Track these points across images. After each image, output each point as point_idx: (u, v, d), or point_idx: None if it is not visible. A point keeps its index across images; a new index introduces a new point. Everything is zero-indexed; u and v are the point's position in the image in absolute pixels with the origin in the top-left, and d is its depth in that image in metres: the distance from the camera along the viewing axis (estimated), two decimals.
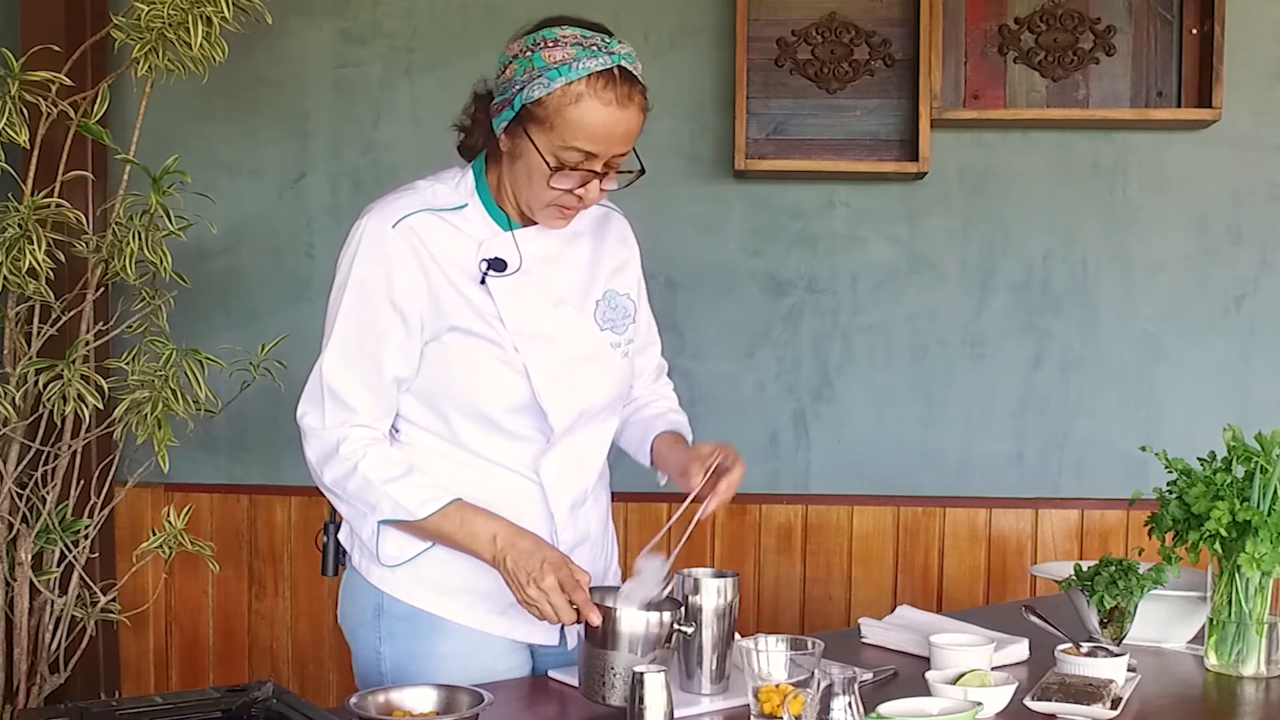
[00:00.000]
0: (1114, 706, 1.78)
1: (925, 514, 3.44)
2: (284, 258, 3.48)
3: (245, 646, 3.54)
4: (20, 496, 3.01)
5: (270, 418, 3.33)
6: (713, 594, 1.86)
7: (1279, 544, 1.98)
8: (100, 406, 2.95)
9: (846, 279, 3.43)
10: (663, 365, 2.22)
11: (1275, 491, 2.02)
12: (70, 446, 3.03)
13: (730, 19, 3.32)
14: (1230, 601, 2.02)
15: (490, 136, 1.88)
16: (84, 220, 3.00)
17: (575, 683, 1.84)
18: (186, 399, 2.94)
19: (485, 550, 1.85)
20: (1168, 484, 2.12)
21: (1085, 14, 3.34)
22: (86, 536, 3.11)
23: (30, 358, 2.92)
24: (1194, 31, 3.29)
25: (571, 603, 1.79)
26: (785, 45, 3.36)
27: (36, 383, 2.90)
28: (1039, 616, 2.11)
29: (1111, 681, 1.82)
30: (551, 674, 1.97)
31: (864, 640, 2.16)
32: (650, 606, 1.82)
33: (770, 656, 1.72)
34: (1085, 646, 1.93)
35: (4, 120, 2.77)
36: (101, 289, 3.06)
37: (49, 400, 2.89)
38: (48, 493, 3.03)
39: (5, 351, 3.00)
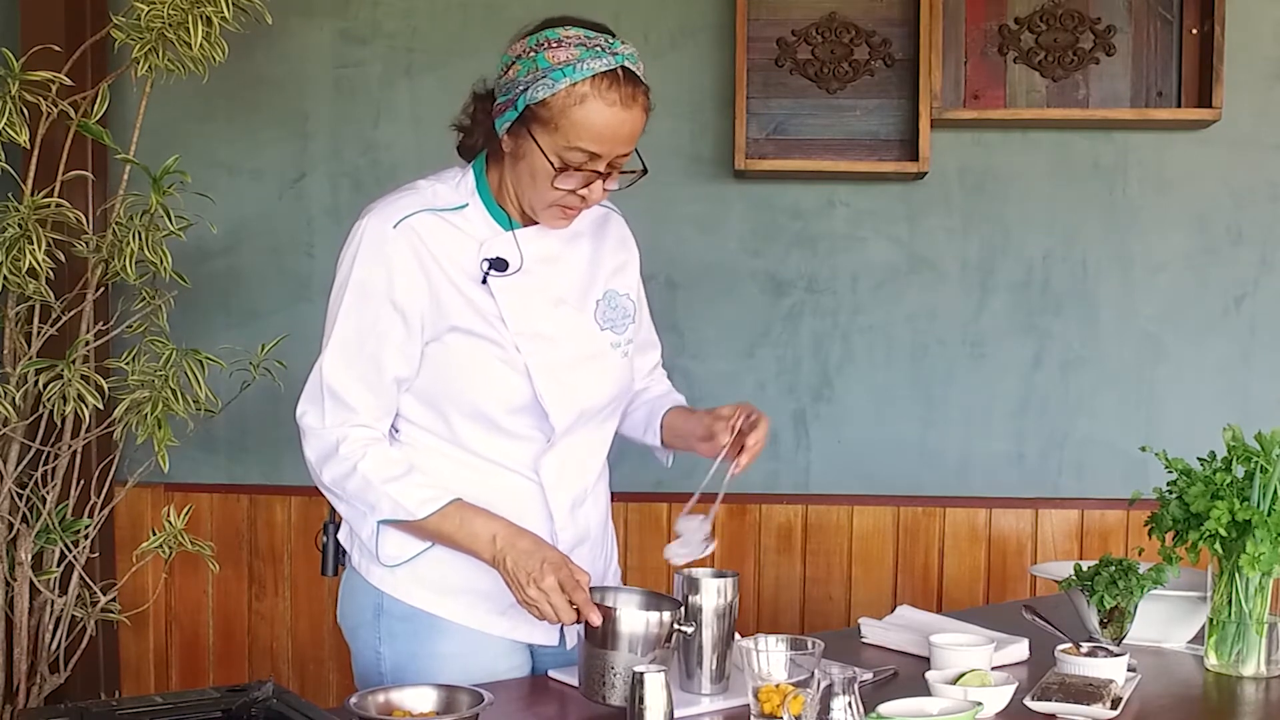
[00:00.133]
0: (1114, 706, 1.78)
1: (925, 514, 3.44)
2: (284, 258, 3.48)
3: (245, 646, 3.54)
4: (20, 496, 3.01)
5: (270, 418, 3.32)
6: (713, 594, 1.86)
7: (1279, 544, 1.98)
8: (100, 406, 2.95)
9: (846, 279, 3.43)
10: (660, 365, 2.24)
11: (1275, 491, 2.02)
12: (70, 446, 3.03)
13: (730, 19, 3.32)
14: (1230, 601, 2.02)
15: (491, 136, 1.88)
16: (84, 220, 3.00)
17: (575, 683, 1.84)
18: (186, 399, 2.94)
19: (485, 550, 1.85)
20: (1168, 484, 2.12)
21: (1085, 14, 3.34)
22: (86, 536, 3.11)
23: (30, 358, 2.92)
24: (1194, 31, 3.29)
25: (571, 603, 1.79)
26: (785, 45, 3.36)
27: (36, 383, 2.90)
28: (1039, 616, 2.11)
29: (1111, 681, 1.82)
30: (551, 674, 1.97)
31: (864, 640, 2.16)
32: (650, 606, 1.83)
33: (770, 656, 1.72)
34: (1085, 646, 1.93)
35: (4, 120, 2.77)
36: (101, 289, 3.06)
37: (49, 400, 2.89)
38: (48, 493, 3.04)
39: (5, 351, 3.00)
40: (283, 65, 3.45)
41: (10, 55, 2.81)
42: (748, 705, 1.72)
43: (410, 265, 1.86)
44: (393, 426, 1.96)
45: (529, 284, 1.91)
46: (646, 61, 1.85)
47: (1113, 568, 2.02)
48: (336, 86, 3.46)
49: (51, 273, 2.90)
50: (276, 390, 3.09)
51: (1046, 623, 2.09)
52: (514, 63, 1.82)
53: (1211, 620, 2.05)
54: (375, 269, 1.86)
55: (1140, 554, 2.16)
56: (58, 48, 3.01)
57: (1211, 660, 2.04)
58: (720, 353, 3.44)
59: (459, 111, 1.94)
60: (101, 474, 3.21)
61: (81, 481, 3.13)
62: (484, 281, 1.89)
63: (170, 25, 2.80)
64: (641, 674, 1.62)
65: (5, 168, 2.91)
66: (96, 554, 3.24)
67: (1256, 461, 2.03)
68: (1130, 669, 1.93)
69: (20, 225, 2.80)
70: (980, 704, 1.69)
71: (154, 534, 3.01)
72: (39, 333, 2.96)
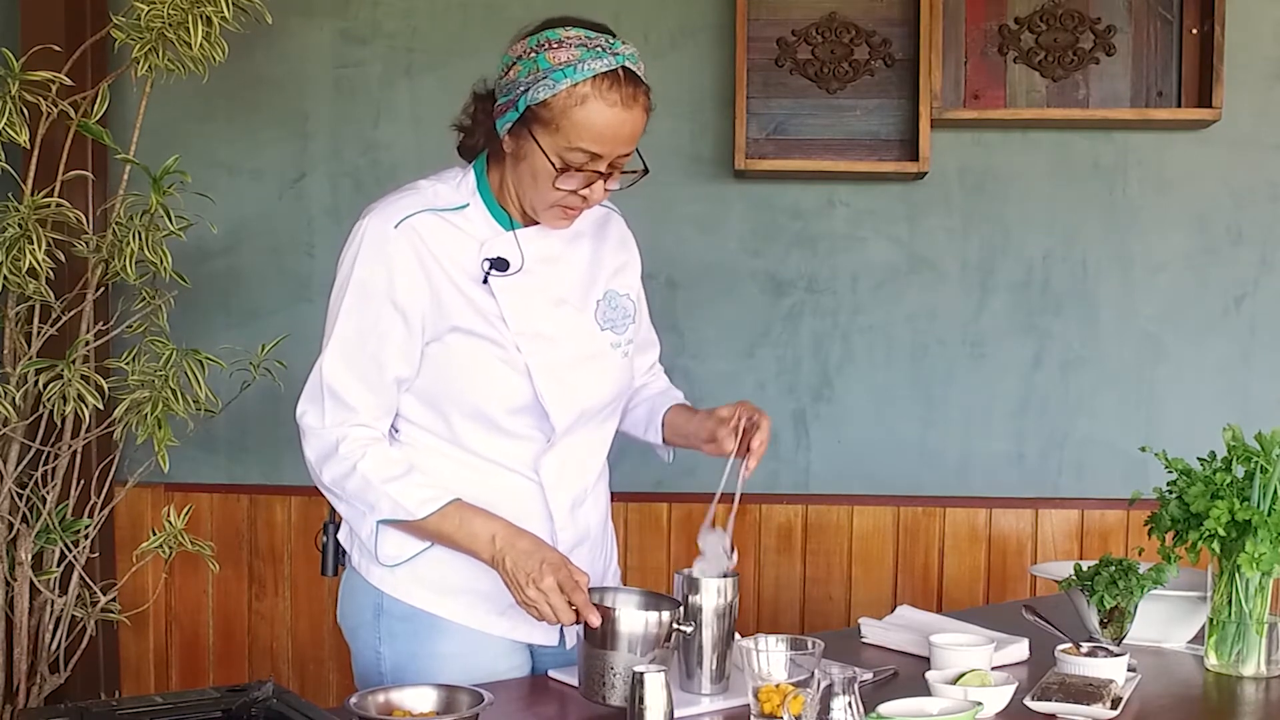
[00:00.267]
0: (1114, 706, 1.78)
1: (925, 514, 3.44)
2: (284, 258, 3.48)
3: (245, 646, 3.54)
4: (20, 496, 3.01)
5: (270, 418, 3.32)
6: (713, 594, 1.86)
7: (1279, 544, 1.98)
8: (100, 406, 2.95)
9: (846, 279, 3.43)
10: (657, 360, 2.24)
11: (1275, 491, 2.02)
12: (70, 446, 3.03)
13: (730, 19, 3.32)
14: (1230, 601, 2.02)
15: (492, 137, 1.88)
16: (84, 220, 3.00)
17: (575, 683, 1.84)
18: (186, 399, 2.94)
19: (484, 550, 1.86)
20: (1167, 484, 2.12)
21: (1085, 14, 3.34)
22: (86, 536, 3.11)
23: (30, 358, 2.92)
24: (1194, 31, 3.29)
25: (571, 603, 1.79)
26: (785, 45, 3.36)
27: (36, 383, 2.90)
28: (1039, 616, 2.11)
29: (1111, 681, 1.82)
30: (551, 674, 1.97)
31: (864, 640, 2.16)
32: (649, 607, 1.83)
33: (770, 656, 1.72)
34: (1085, 646, 1.93)
35: (4, 120, 2.77)
36: (101, 289, 3.06)
37: (49, 400, 2.89)
38: (48, 493, 3.03)
39: (5, 351, 3.00)
40: (283, 65, 3.45)
41: (10, 55, 2.81)
42: (748, 705, 1.72)
43: (411, 265, 1.86)
44: (393, 426, 1.96)
45: (530, 284, 1.91)
46: (646, 61, 1.86)
47: (1113, 568, 2.02)
48: (336, 86, 3.46)
49: (51, 273, 2.90)
50: (276, 390, 3.09)
51: (1046, 623, 2.09)
52: (515, 63, 1.82)
53: (1211, 620, 2.05)
54: (376, 269, 1.86)
55: (1140, 554, 2.16)
56: (58, 48, 3.01)
57: (1211, 660, 2.04)
58: (720, 353, 3.44)
59: (459, 111, 1.94)
60: (101, 474, 3.21)
61: (81, 481, 3.13)
62: (485, 281, 1.89)
63: (170, 25, 2.80)
64: (641, 674, 1.62)
65: (5, 168, 2.91)
66: (96, 554, 3.24)
67: (1256, 461, 2.03)
68: (1130, 669, 1.93)
69: (20, 225, 2.80)
70: (980, 704, 1.69)
71: (154, 534, 3.01)
72: (39, 333, 2.96)
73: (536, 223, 1.93)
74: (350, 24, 3.45)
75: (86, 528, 3.11)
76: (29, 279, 2.83)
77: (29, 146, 2.88)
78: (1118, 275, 3.41)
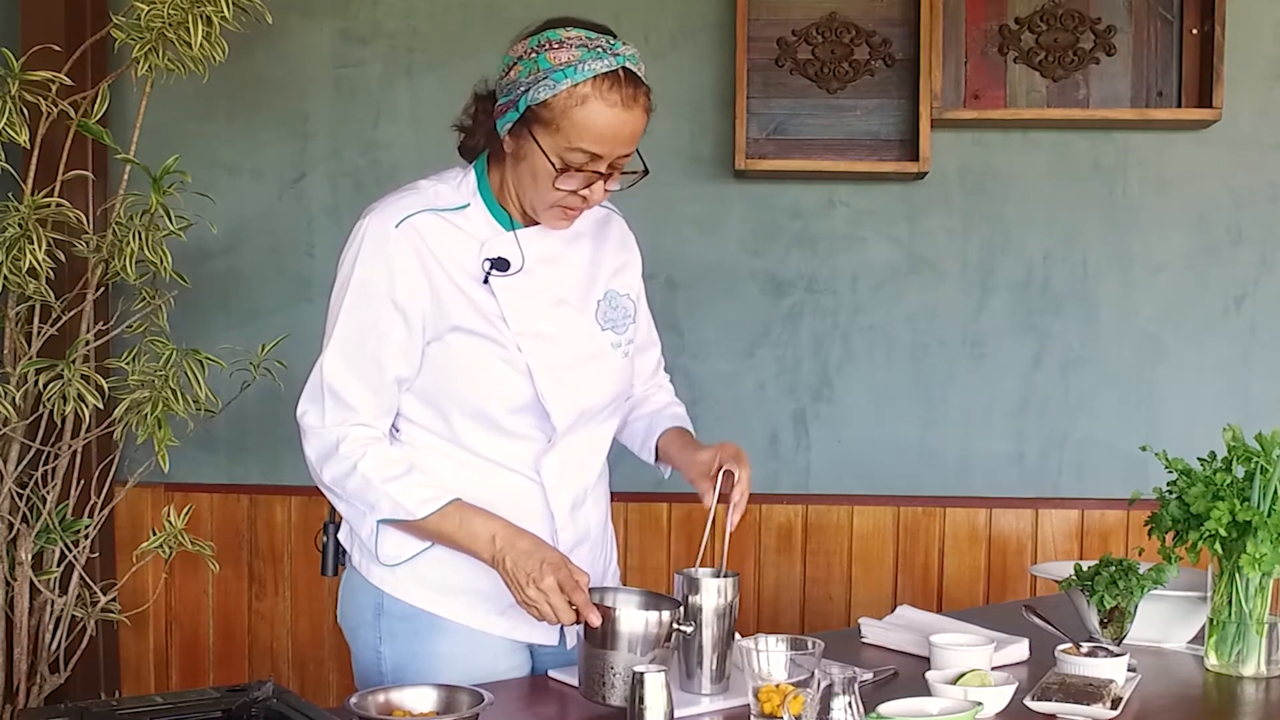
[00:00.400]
0: (1114, 706, 1.78)
1: (925, 514, 3.44)
2: (284, 258, 3.48)
3: (245, 646, 3.54)
4: (20, 496, 3.01)
5: (270, 418, 3.32)
6: (713, 594, 1.86)
7: (1279, 544, 1.98)
8: (100, 406, 2.95)
9: (846, 279, 3.43)
10: (661, 362, 2.23)
11: (1275, 492, 2.02)
12: (70, 446, 3.03)
13: (730, 19, 3.32)
14: (1230, 601, 2.02)
15: (493, 137, 1.88)
16: (84, 220, 3.00)
17: (575, 683, 1.84)
18: (186, 399, 2.94)
19: (484, 550, 1.86)
20: (1168, 484, 2.12)
21: (1085, 14, 3.34)
22: (86, 536, 3.11)
23: (30, 358, 2.92)
24: (1194, 31, 3.29)
25: (571, 603, 1.79)
26: (785, 45, 3.36)
27: (36, 383, 2.90)
28: (1039, 616, 2.11)
29: (1111, 681, 1.82)
30: (551, 674, 1.97)
31: (864, 640, 2.16)
32: (649, 606, 1.83)
33: (770, 656, 1.72)
34: (1085, 646, 1.93)
35: (4, 120, 2.77)
36: (101, 289, 3.06)
37: (49, 400, 2.89)
38: (48, 492, 3.03)
39: (5, 351, 3.00)
40: (283, 65, 3.45)
41: (10, 55, 2.81)
42: (748, 705, 1.72)
43: (412, 265, 1.86)
44: (393, 426, 1.96)
45: (530, 284, 1.91)
46: (647, 61, 1.86)
47: (1113, 568, 2.02)
48: (336, 86, 3.46)
49: (51, 273, 2.90)
50: (277, 390, 3.09)
51: (1046, 623, 2.09)
52: (515, 64, 1.83)
53: (1211, 620, 2.05)
54: (376, 268, 1.86)
55: (1140, 554, 2.16)
56: (58, 48, 3.01)
57: (1211, 660, 2.04)
58: (720, 353, 3.44)
59: (459, 111, 1.94)
60: (101, 474, 3.21)
61: (81, 481, 3.13)
62: (485, 281, 1.89)
63: (170, 25, 2.79)
64: (641, 674, 1.62)
65: (5, 168, 2.91)
66: (96, 554, 3.24)
67: (1257, 462, 2.03)
68: (1130, 669, 1.93)
69: (20, 225, 2.80)
70: (980, 704, 1.69)
71: (154, 534, 3.01)
72: (39, 333, 2.96)
73: (537, 223, 1.93)
74: (350, 24, 3.45)
75: (86, 528, 3.11)
76: (29, 279, 2.83)
77: (29, 146, 2.88)
78: (1118, 275, 3.41)
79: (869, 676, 1.90)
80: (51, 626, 3.10)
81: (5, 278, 2.80)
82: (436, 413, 1.92)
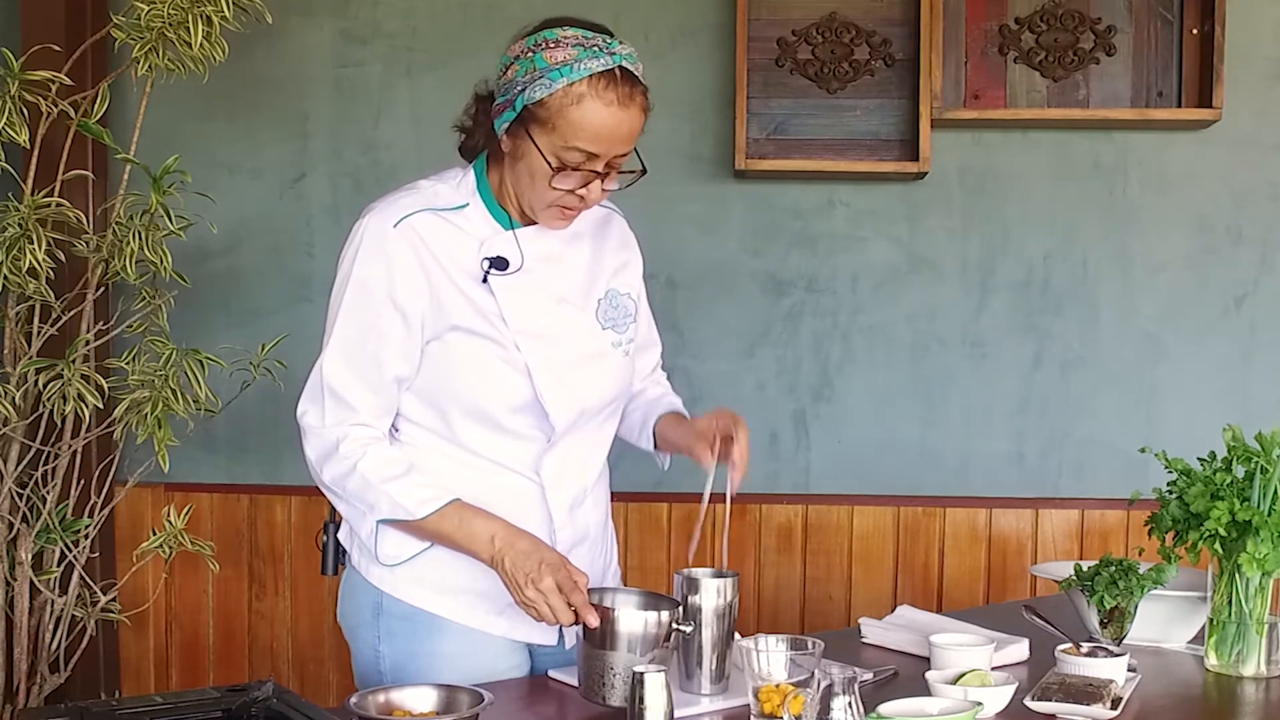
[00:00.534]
0: (1114, 706, 1.78)
1: (925, 514, 3.44)
2: (284, 257, 3.48)
3: (245, 646, 3.54)
4: (20, 496, 3.01)
5: (270, 417, 3.32)
6: (713, 594, 1.86)
7: (1279, 544, 1.98)
8: (100, 406, 2.95)
9: (846, 279, 3.43)
10: (659, 361, 2.24)
11: (1275, 491, 2.02)
12: (70, 446, 3.02)
13: (730, 19, 3.32)
14: (1230, 601, 2.02)
15: (491, 137, 1.88)
16: (84, 220, 3.00)
17: (575, 683, 1.84)
18: (186, 399, 2.94)
19: (483, 551, 1.86)
20: (1167, 484, 2.12)
21: (1085, 14, 3.34)
22: (86, 536, 3.11)
23: (30, 357, 2.92)
24: (1194, 31, 3.29)
25: (569, 604, 1.79)
26: (785, 45, 3.36)
27: (36, 382, 2.90)
28: (1039, 616, 2.11)
29: (1111, 681, 1.82)
30: (551, 674, 1.97)
31: (864, 640, 2.16)
32: (648, 607, 1.83)
33: (770, 656, 1.72)
34: (1085, 646, 1.93)
35: (4, 120, 2.77)
36: (101, 289, 3.06)
37: (49, 400, 2.89)
38: (48, 492, 3.03)
39: (5, 351, 3.00)
40: (283, 65, 3.45)
41: (10, 55, 2.81)
42: (748, 705, 1.72)
43: (410, 264, 1.86)
44: (393, 425, 1.96)
45: (530, 283, 1.91)
46: (646, 61, 1.86)
47: (1113, 568, 2.02)
48: (336, 86, 3.46)
49: (51, 272, 2.90)
50: (277, 390, 3.09)
51: (1046, 623, 2.09)
52: (512, 63, 1.83)
53: (1211, 620, 2.05)
54: (375, 268, 1.86)
55: (1140, 554, 2.16)
56: (58, 47, 3.01)
57: (1211, 660, 2.04)
58: (720, 353, 3.44)
59: (460, 112, 1.94)
60: (101, 474, 3.21)
61: (81, 481, 3.13)
62: (484, 280, 1.89)
63: (170, 25, 2.79)
64: (641, 674, 1.62)
65: (5, 167, 2.91)
66: (96, 554, 3.24)
67: (1257, 462, 2.03)
68: (1130, 669, 1.93)
69: (20, 225, 2.80)
70: (980, 704, 1.69)
71: (154, 534, 3.01)
72: (39, 332, 2.96)
73: (536, 222, 1.93)
74: (350, 24, 3.45)
75: (86, 527, 3.11)
76: (29, 279, 2.83)
77: (29, 146, 2.88)
78: (1118, 275, 3.41)
79: (869, 676, 1.90)
80: (51, 626, 3.10)
81: (5, 278, 2.80)
82: (436, 412, 1.92)
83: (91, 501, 3.17)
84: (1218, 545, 2.02)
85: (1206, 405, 3.36)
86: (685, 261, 3.42)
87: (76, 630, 3.15)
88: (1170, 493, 2.11)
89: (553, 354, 1.91)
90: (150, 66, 2.85)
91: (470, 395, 1.90)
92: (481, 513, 1.88)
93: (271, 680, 1.64)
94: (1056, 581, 2.17)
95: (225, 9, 2.81)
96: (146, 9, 2.79)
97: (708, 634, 1.85)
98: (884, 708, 1.65)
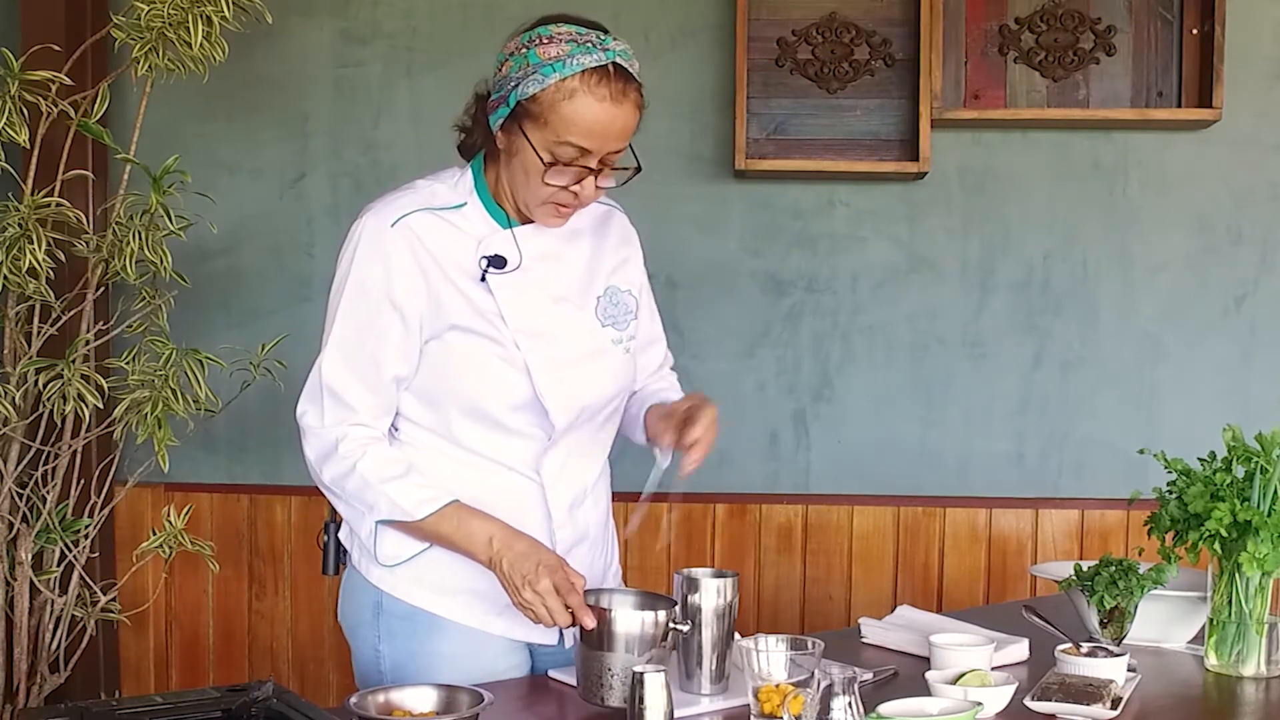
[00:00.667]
0: (1114, 706, 1.78)
1: (925, 514, 3.44)
2: (284, 257, 3.48)
3: (245, 646, 3.54)
4: (20, 496, 3.01)
5: (270, 417, 3.32)
6: (712, 594, 1.86)
7: (1279, 544, 1.98)
8: (100, 406, 2.95)
9: (846, 279, 3.43)
10: (668, 358, 2.23)
11: (1275, 492, 2.02)
12: (70, 446, 3.02)
13: (730, 19, 3.32)
14: (1230, 601, 2.02)
15: (489, 135, 1.88)
16: (84, 220, 3.00)
17: (575, 683, 1.84)
18: (186, 399, 2.94)
19: (481, 552, 1.86)
20: (1167, 484, 2.12)
21: (1085, 14, 3.34)
22: (86, 536, 3.11)
23: (30, 357, 2.92)
24: (1194, 31, 3.29)
25: (567, 605, 1.79)
26: (785, 45, 3.36)
27: (36, 382, 2.90)
28: (1039, 616, 2.11)
29: (1111, 681, 1.82)
30: (551, 674, 1.97)
31: (864, 640, 2.16)
32: (645, 606, 1.82)
33: (770, 656, 1.72)
34: (1085, 646, 1.93)
35: (4, 120, 2.77)
36: (101, 289, 3.06)
37: (49, 400, 2.89)
38: (48, 492, 3.03)
39: (5, 351, 3.00)
40: (283, 65, 3.45)
41: (10, 55, 2.81)
42: (748, 705, 1.72)
43: (408, 264, 1.86)
44: (393, 425, 1.96)
45: (528, 281, 1.91)
46: (646, 61, 1.86)
47: (1113, 568, 2.02)
48: (336, 86, 3.46)
49: (51, 272, 2.90)
50: (277, 390, 3.09)
51: (1046, 623, 2.09)
52: (507, 59, 1.83)
53: (1211, 620, 2.05)
54: (373, 268, 1.86)
55: (1140, 554, 2.16)
56: (58, 47, 3.01)
57: (1211, 660, 2.04)
58: (720, 353, 3.44)
59: (459, 111, 1.95)
60: (101, 474, 3.20)
61: (81, 481, 3.13)
62: (483, 279, 1.89)
63: (170, 25, 2.79)
64: (641, 674, 1.62)
65: (5, 167, 2.91)
66: (96, 554, 3.24)
67: (1257, 462, 2.03)
68: (1130, 669, 1.93)
69: (20, 225, 2.80)
70: (980, 704, 1.69)
71: (154, 534, 3.01)
72: (39, 332, 2.96)
73: (534, 221, 1.93)
74: (350, 24, 3.45)
75: (86, 527, 3.11)
76: (29, 279, 2.83)
77: (29, 146, 2.88)
78: (1118, 275, 3.41)
79: (869, 676, 1.90)
80: (51, 626, 3.10)
81: (5, 278, 2.80)
82: (436, 412, 1.92)
83: (91, 501, 3.17)
84: (1218, 545, 2.02)
85: (1206, 405, 3.36)
86: (685, 261, 3.42)
87: (76, 630, 3.15)
88: (1170, 493, 2.10)
89: (552, 352, 1.91)
90: (150, 66, 2.85)
91: (469, 394, 1.90)
92: (480, 514, 1.88)
93: (271, 680, 1.64)
94: (1056, 581, 2.17)
95: (225, 9, 2.81)
96: (146, 9, 2.79)
97: (708, 634, 1.85)
98: (884, 708, 1.65)
